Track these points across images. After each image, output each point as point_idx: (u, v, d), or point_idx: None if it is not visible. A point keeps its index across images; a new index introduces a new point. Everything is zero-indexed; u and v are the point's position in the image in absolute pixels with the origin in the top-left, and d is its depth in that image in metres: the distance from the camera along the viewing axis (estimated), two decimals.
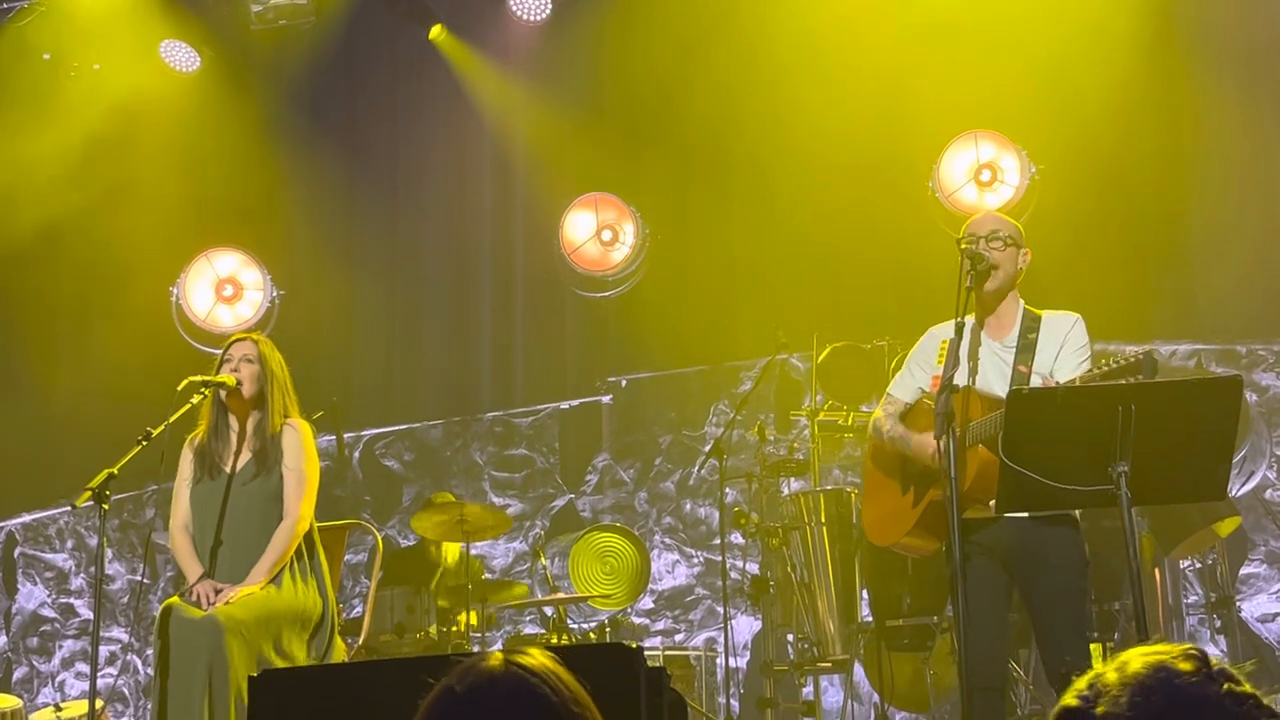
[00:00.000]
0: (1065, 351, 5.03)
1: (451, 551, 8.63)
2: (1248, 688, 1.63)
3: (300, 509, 5.76)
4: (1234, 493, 8.18)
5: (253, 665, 5.30)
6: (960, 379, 4.92)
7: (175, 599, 5.60)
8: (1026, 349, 5.07)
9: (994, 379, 5.05)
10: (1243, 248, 8.60)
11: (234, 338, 6.09)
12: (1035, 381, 4.97)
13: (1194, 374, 8.42)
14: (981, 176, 9.07)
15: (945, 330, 5.23)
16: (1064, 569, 4.93)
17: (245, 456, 5.85)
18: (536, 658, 1.95)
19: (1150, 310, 8.62)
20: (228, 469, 5.83)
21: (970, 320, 5.10)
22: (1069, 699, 1.67)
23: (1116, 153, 8.77)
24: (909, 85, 9.05)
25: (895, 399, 5.41)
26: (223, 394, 5.86)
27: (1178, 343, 8.74)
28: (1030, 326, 5.13)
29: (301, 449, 5.84)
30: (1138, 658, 1.66)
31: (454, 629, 8.24)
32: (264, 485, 5.78)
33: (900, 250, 8.90)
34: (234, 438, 5.89)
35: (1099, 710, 1.62)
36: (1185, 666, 1.63)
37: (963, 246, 5.05)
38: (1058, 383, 4.78)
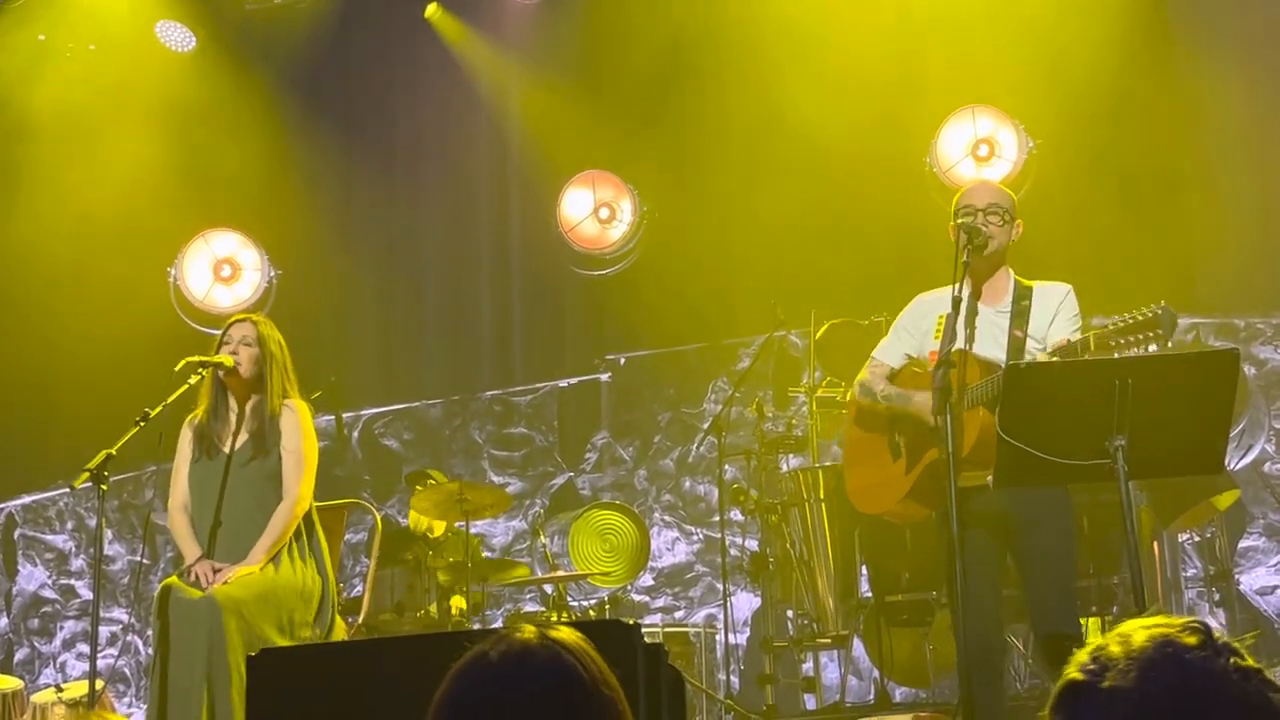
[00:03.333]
0: (1059, 320, 4.99)
1: (438, 526, 8.65)
2: (1251, 661, 1.63)
3: (299, 489, 5.76)
4: (1232, 466, 8.19)
5: (252, 645, 5.30)
6: (957, 345, 4.90)
7: (174, 579, 5.60)
8: (1020, 315, 5.04)
9: (989, 344, 5.03)
10: (1241, 221, 8.59)
11: (233, 318, 6.07)
12: (1031, 345, 4.94)
13: (1191, 347, 8.42)
14: (979, 151, 9.06)
15: (934, 298, 5.20)
16: (1053, 533, 4.93)
17: (243, 437, 5.84)
18: (569, 634, 1.95)
19: (1148, 284, 8.59)
20: (226, 449, 5.83)
21: (965, 291, 5.07)
22: (1073, 672, 1.65)
23: (1114, 126, 8.76)
24: (907, 61, 9.03)
25: (880, 363, 5.33)
26: (221, 374, 5.85)
27: (1176, 316, 8.72)
28: (1022, 295, 5.09)
29: (300, 430, 5.83)
30: (1141, 630, 1.64)
31: (454, 608, 8.25)
32: (262, 466, 5.77)
33: (898, 226, 8.88)
34: (233, 418, 5.89)
35: (1105, 685, 1.61)
36: (1191, 640, 1.62)
37: (958, 220, 5.01)
38: (1066, 340, 4.73)
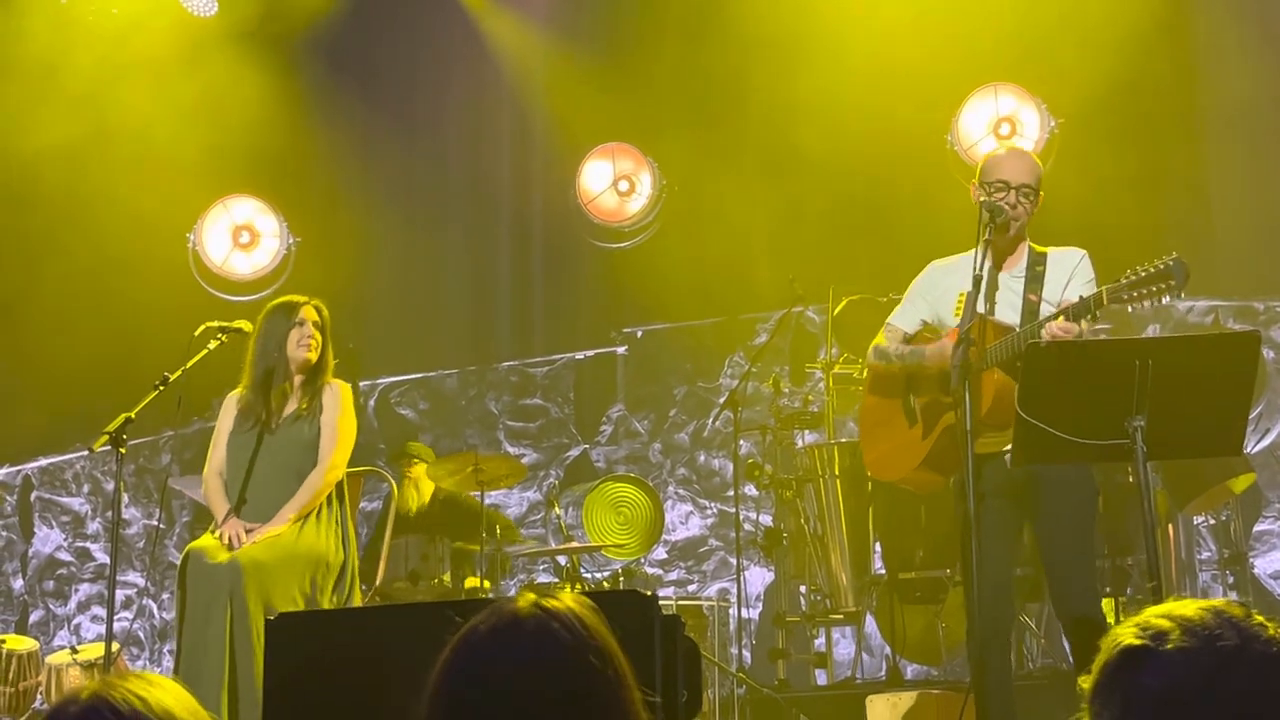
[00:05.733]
0: (1074, 284, 4.97)
1: (427, 489, 8.70)
2: None
3: (334, 458, 5.93)
4: (1249, 449, 8.17)
5: (273, 607, 5.35)
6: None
7: (198, 542, 5.67)
8: (1035, 280, 5.03)
9: (1005, 309, 5.03)
10: (1261, 203, 8.55)
11: (300, 301, 6.08)
12: (1045, 309, 4.90)
13: (1211, 330, 8.40)
14: (1001, 130, 9.01)
15: (949, 265, 5.22)
16: (1072, 500, 4.88)
17: (289, 409, 5.97)
18: (565, 602, 1.94)
19: None
20: (270, 424, 5.95)
21: (986, 266, 5.06)
22: (1128, 639, 1.65)
23: (1136, 106, 8.71)
24: (929, 38, 8.98)
25: (895, 328, 5.32)
26: (287, 352, 5.96)
27: (1195, 299, 8.71)
28: (1037, 260, 5.09)
29: (339, 406, 6.01)
30: (1189, 605, 1.65)
31: (466, 576, 8.28)
32: (300, 435, 5.93)
33: (917, 203, 8.85)
34: (281, 395, 5.99)
35: (1169, 648, 1.61)
36: (1239, 612, 1.64)
37: (982, 198, 5.00)
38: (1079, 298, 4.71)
